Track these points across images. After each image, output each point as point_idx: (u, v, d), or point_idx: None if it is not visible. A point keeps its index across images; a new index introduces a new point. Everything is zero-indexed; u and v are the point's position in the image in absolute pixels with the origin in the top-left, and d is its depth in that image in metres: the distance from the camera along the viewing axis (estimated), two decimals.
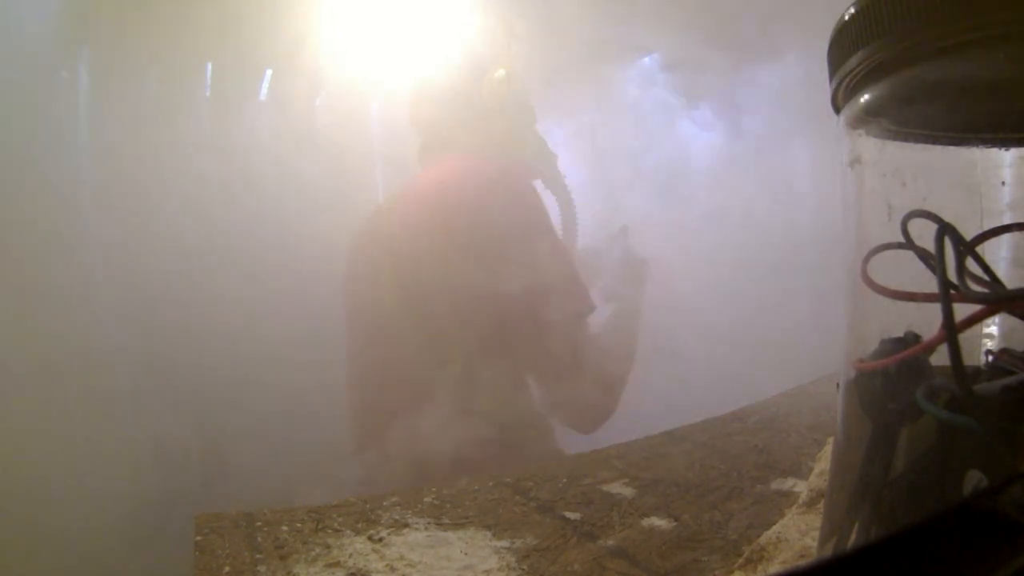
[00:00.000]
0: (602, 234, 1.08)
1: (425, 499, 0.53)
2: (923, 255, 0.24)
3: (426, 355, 0.83)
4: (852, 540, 0.25)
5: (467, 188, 0.85)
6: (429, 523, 0.48)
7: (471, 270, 0.79)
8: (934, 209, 0.23)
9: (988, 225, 0.24)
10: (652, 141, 1.28)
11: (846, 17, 0.24)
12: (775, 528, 0.42)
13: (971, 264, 0.23)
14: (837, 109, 0.27)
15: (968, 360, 0.22)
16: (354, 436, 0.92)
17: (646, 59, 1.30)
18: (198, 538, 0.45)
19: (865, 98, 0.25)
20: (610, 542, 0.44)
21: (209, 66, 1.11)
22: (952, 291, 0.22)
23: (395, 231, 0.88)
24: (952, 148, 0.26)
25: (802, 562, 0.38)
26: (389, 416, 0.82)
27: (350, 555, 0.43)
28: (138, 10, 1.02)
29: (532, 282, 0.77)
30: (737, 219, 1.23)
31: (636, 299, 0.97)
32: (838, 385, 0.28)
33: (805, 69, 1.05)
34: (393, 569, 0.41)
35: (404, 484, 0.71)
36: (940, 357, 0.22)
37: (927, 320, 0.23)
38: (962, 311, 0.21)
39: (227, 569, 0.42)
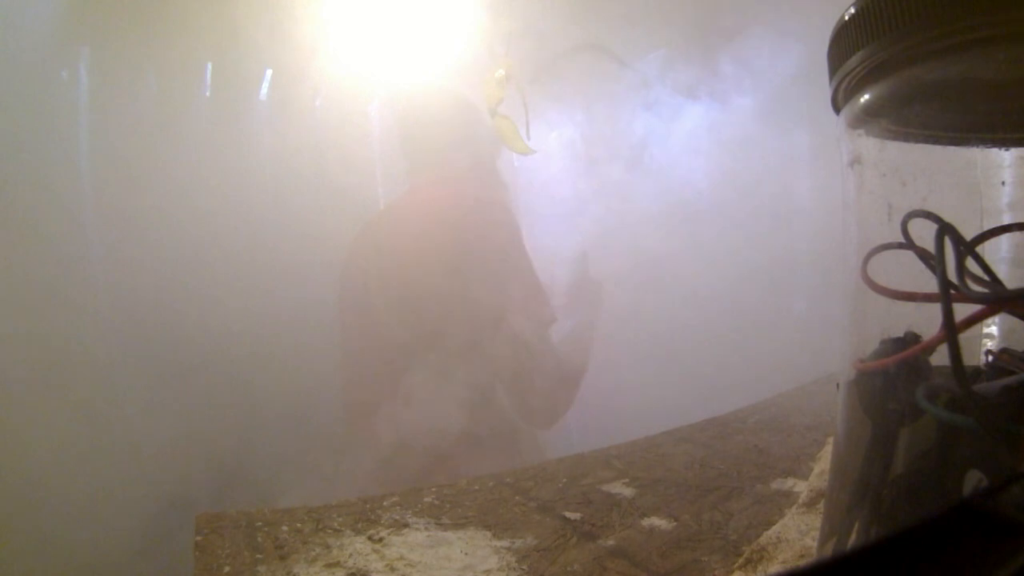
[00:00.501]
0: (600, 236, 1.12)
1: (425, 499, 0.53)
2: (923, 255, 0.24)
3: (414, 354, 0.90)
4: (852, 540, 0.25)
5: (451, 209, 0.95)
6: (429, 523, 0.48)
7: (453, 281, 0.89)
8: (934, 209, 0.23)
9: (988, 225, 0.24)
10: (648, 142, 1.28)
11: (846, 17, 0.24)
12: (775, 528, 0.42)
13: (971, 264, 0.23)
14: (837, 109, 0.27)
15: (968, 360, 0.22)
16: (347, 432, 0.96)
17: (643, 59, 1.30)
18: (198, 538, 0.45)
19: (865, 98, 0.25)
20: (610, 542, 0.44)
21: (209, 66, 1.11)
22: (952, 291, 0.22)
23: (387, 241, 0.96)
24: (952, 148, 0.26)
25: (802, 562, 0.38)
26: (377, 412, 0.88)
27: (350, 555, 0.43)
28: (138, 10, 1.02)
29: (502, 294, 0.89)
30: (736, 219, 1.23)
31: (591, 317, 1.06)
32: (838, 385, 0.28)
33: (805, 66, 1.05)
34: (393, 569, 0.41)
35: (392, 477, 0.81)
36: (940, 357, 0.22)
37: (927, 320, 0.23)
38: (962, 311, 0.21)
39: (227, 569, 0.42)
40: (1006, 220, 0.25)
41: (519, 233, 0.96)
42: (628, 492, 0.53)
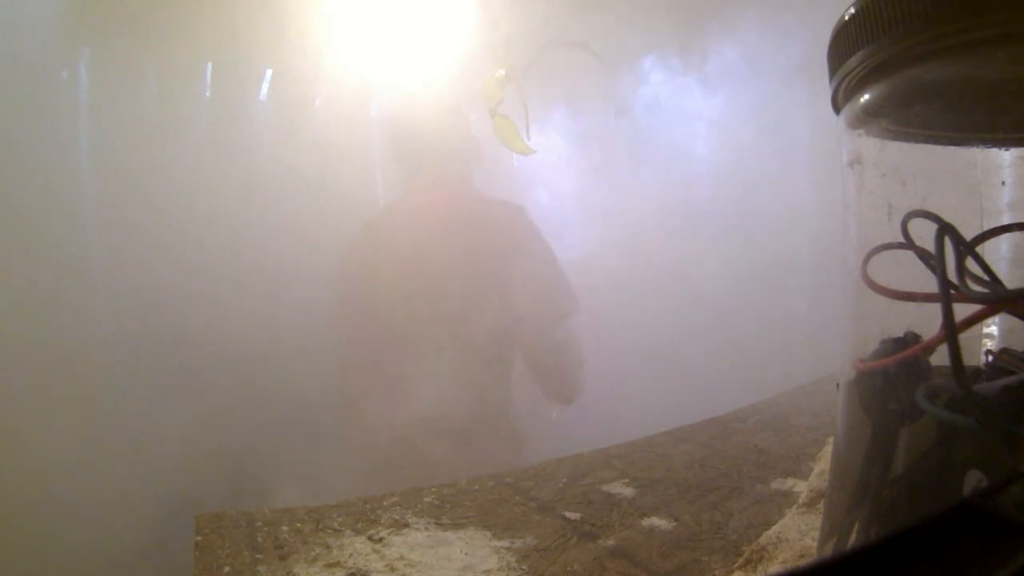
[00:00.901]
0: (599, 236, 1.14)
1: (425, 499, 0.53)
2: (923, 255, 0.24)
3: (416, 348, 0.94)
4: (852, 540, 0.25)
5: (468, 206, 1.00)
6: (429, 523, 0.48)
7: (472, 274, 0.93)
8: (934, 209, 0.23)
9: (988, 225, 0.24)
10: (647, 142, 1.28)
11: (846, 17, 0.24)
12: (775, 528, 0.42)
13: (971, 264, 0.23)
14: (837, 109, 0.27)
15: (968, 360, 0.22)
16: (345, 426, 0.97)
17: (642, 58, 1.30)
18: (198, 538, 0.45)
19: (865, 98, 0.25)
20: (610, 542, 0.44)
21: (209, 66, 1.11)
22: (952, 291, 0.22)
23: (396, 238, 0.99)
24: (952, 148, 0.26)
25: (802, 562, 0.38)
26: (374, 406, 0.90)
27: (350, 555, 0.43)
28: (138, 10, 1.02)
29: (529, 286, 0.96)
30: (736, 219, 1.23)
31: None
32: (838, 385, 0.28)
33: (805, 66, 1.05)
34: (393, 569, 0.41)
35: (388, 470, 0.84)
36: (940, 357, 0.22)
37: (927, 320, 0.23)
38: (962, 311, 0.21)
39: (227, 569, 0.42)
40: (1006, 220, 0.25)
41: (535, 227, 1.01)
42: (628, 492, 0.53)
